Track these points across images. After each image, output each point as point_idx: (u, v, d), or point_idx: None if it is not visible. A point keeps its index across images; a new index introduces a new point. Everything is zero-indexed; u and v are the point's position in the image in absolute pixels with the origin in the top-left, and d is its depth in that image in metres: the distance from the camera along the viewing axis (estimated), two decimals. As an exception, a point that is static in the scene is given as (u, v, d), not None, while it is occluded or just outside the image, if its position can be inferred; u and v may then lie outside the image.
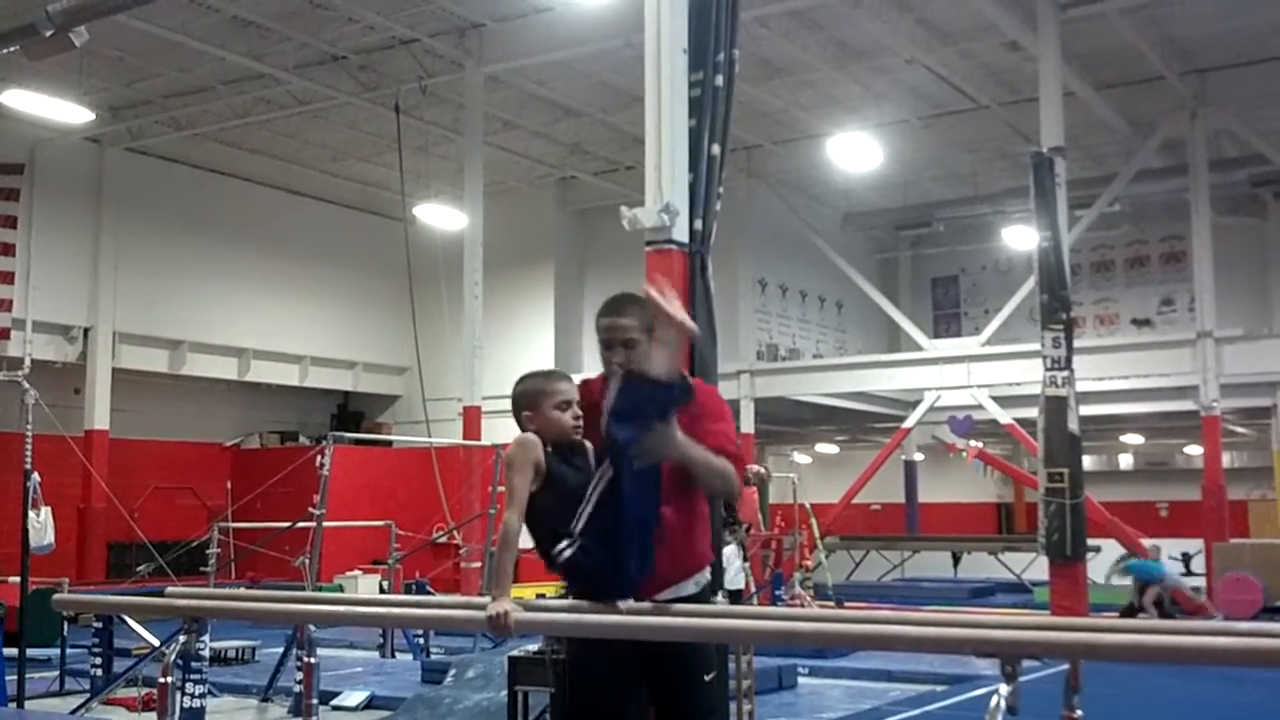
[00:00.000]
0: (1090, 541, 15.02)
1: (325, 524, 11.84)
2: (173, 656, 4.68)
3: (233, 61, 17.66)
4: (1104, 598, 17.24)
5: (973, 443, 21.51)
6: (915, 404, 22.37)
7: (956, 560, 24.99)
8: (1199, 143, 19.65)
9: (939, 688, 11.09)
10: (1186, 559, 21.53)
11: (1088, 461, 18.38)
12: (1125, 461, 31.59)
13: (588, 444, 4.04)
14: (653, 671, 4.15)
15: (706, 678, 4.17)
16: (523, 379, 4.14)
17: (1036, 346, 14.78)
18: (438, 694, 9.43)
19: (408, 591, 15.22)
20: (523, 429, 4.03)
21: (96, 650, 10.74)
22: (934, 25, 17.07)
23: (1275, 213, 23.98)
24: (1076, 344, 14.57)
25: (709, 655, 4.24)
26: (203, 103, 19.71)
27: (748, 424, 22.16)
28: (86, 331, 21.14)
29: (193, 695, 8.40)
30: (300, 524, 12.84)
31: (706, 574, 4.30)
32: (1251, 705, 9.97)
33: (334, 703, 10.26)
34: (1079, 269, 24.63)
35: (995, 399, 20.76)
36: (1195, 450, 24.87)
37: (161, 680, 4.64)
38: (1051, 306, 14.30)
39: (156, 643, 9.93)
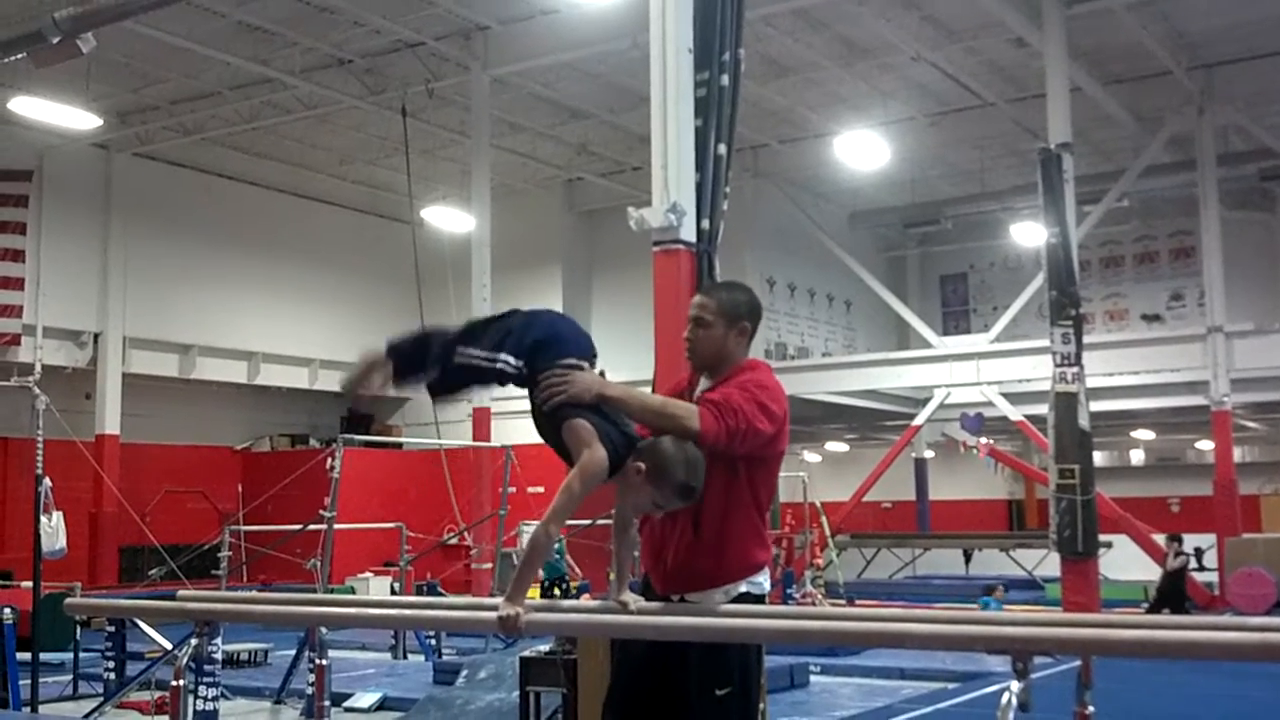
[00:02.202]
0: (1102, 537, 14.99)
1: (336, 526, 11.86)
2: (185, 660, 4.69)
3: (239, 66, 17.70)
4: (1116, 594, 17.23)
5: (984, 439, 21.47)
6: (925, 401, 22.34)
7: (968, 557, 24.98)
8: (1207, 137, 19.59)
9: (951, 685, 11.09)
10: (1199, 554, 21.48)
11: (1099, 457, 18.34)
12: (1136, 457, 31.52)
13: None
14: (664, 677, 3.98)
15: (719, 692, 3.88)
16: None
17: (1046, 343, 14.75)
18: (450, 695, 9.45)
19: (419, 593, 15.24)
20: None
21: (109, 654, 10.77)
22: (940, 22, 17.04)
23: (1284, 207, 23.93)
24: (1086, 340, 14.55)
25: (724, 668, 3.91)
26: (210, 107, 19.75)
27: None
28: (96, 337, 21.20)
29: (205, 698, 8.43)
30: (311, 526, 12.87)
31: (742, 588, 3.96)
32: (1264, 701, 9.95)
33: (346, 704, 10.29)
34: (1088, 265, 24.60)
35: (1005, 396, 20.73)
36: (1206, 445, 24.79)
37: (174, 683, 4.65)
38: (1060, 303, 14.28)
39: (169, 646, 9.95)
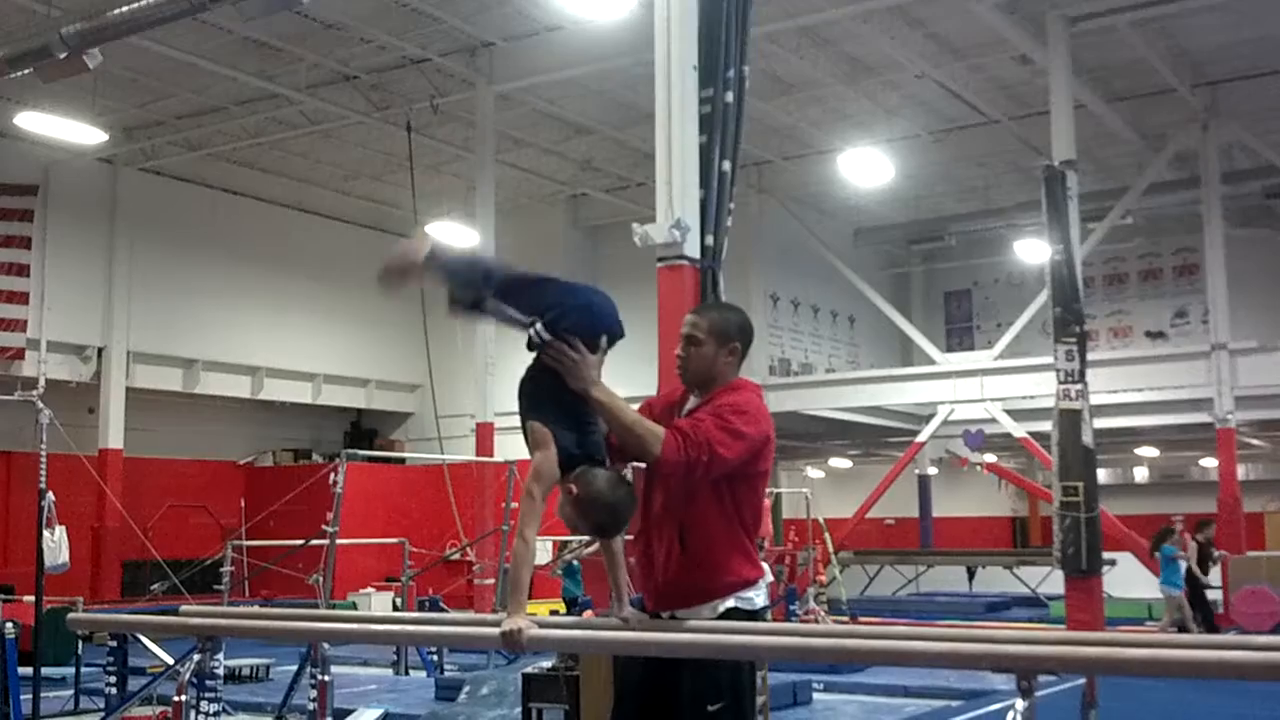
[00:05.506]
0: (1106, 555, 14.95)
1: (339, 541, 11.85)
2: (188, 675, 4.69)
3: (245, 82, 17.75)
4: (1120, 612, 17.17)
5: (986, 456, 21.43)
6: (929, 418, 22.32)
7: (971, 575, 24.91)
8: (1211, 155, 19.61)
9: (955, 703, 11.05)
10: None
11: (1102, 475, 18.31)
12: (1140, 474, 31.45)
13: None
14: (660, 694, 3.98)
15: (711, 708, 3.86)
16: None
17: (1050, 360, 14.75)
18: (452, 711, 9.43)
19: (421, 608, 15.22)
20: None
21: (111, 669, 10.74)
22: (944, 40, 17.08)
23: (1289, 224, 23.91)
24: (1090, 357, 14.52)
25: (715, 683, 3.89)
26: (215, 123, 19.81)
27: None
28: (100, 351, 21.22)
29: (207, 714, 8.38)
30: (314, 541, 12.85)
31: (731, 604, 3.95)
32: (1269, 719, 9.90)
33: (348, 720, 10.26)
34: (1092, 282, 24.59)
35: (1009, 413, 20.70)
36: (1210, 463, 24.76)
37: (176, 699, 4.64)
38: (1064, 320, 14.27)
39: (171, 661, 9.93)
